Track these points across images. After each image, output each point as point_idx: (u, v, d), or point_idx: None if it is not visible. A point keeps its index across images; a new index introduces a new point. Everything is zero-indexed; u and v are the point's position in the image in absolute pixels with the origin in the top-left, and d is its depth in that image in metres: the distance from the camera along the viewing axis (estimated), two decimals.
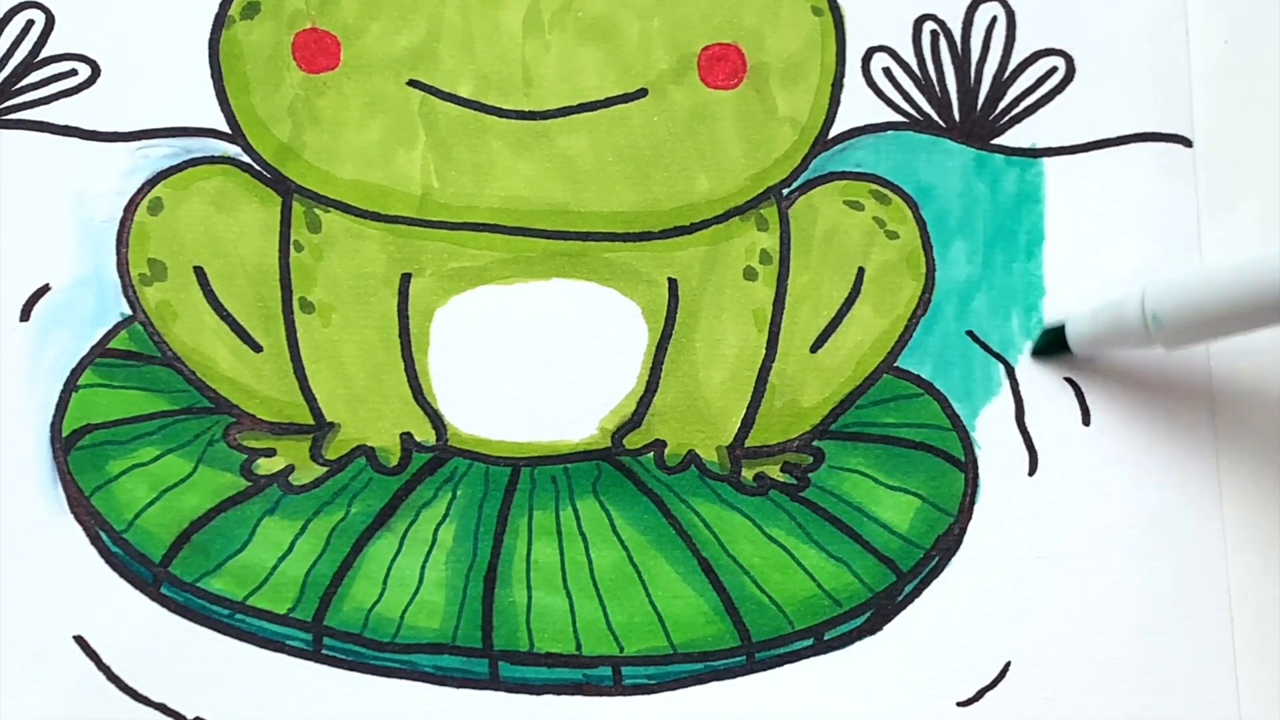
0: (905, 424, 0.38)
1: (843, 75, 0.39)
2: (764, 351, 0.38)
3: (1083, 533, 0.37)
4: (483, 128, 0.39)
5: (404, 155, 0.38)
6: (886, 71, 0.40)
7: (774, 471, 0.38)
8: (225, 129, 0.39)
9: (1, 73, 0.39)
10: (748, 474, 0.38)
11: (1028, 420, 0.38)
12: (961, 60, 0.40)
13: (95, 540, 0.36)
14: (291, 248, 0.38)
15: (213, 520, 0.37)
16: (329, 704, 0.36)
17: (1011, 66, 0.40)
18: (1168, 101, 0.40)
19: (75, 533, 0.36)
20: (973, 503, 0.38)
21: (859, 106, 0.39)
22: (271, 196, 0.38)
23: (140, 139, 0.38)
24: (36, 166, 0.38)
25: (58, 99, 0.39)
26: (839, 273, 0.39)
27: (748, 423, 0.38)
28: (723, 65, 0.39)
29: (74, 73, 0.39)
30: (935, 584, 0.37)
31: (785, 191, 0.39)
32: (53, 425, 0.37)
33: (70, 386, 0.37)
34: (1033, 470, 0.38)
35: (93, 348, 0.37)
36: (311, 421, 0.38)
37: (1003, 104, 0.40)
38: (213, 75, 0.39)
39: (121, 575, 0.36)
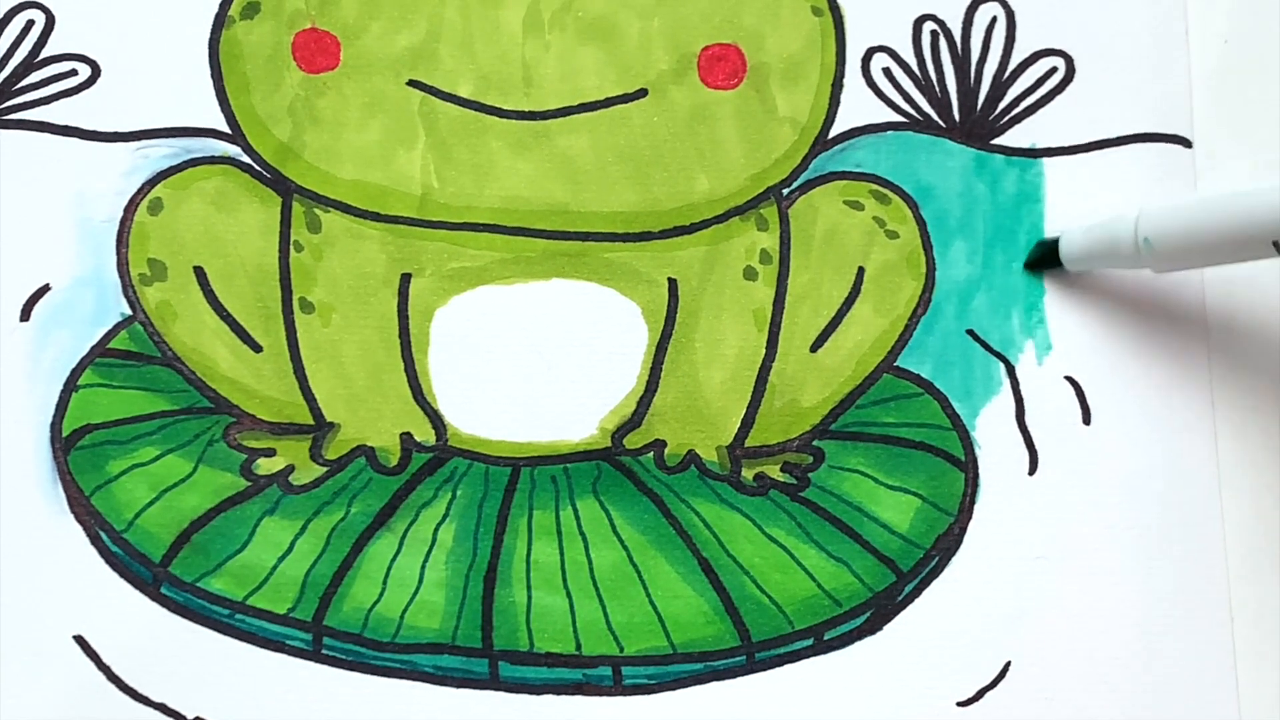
0: (905, 424, 0.38)
1: (843, 75, 0.39)
2: (764, 351, 0.38)
3: (1083, 533, 0.37)
4: (483, 128, 0.39)
5: (404, 155, 0.38)
6: (886, 72, 0.40)
7: (774, 471, 0.38)
8: (225, 129, 0.39)
9: (1, 73, 0.39)
10: (748, 474, 0.38)
11: (1028, 420, 0.38)
12: (961, 60, 0.40)
13: (95, 540, 0.36)
14: (291, 248, 0.38)
15: (213, 520, 0.37)
16: (329, 704, 0.36)
17: (1011, 67, 0.40)
18: (1168, 101, 0.40)
19: (75, 533, 0.36)
20: (973, 502, 0.38)
21: (859, 106, 0.39)
22: (271, 196, 0.38)
23: (140, 139, 0.38)
24: (36, 166, 0.38)
25: (58, 99, 0.39)
26: (839, 272, 0.39)
27: (748, 423, 0.38)
28: (723, 65, 0.39)
29: (74, 73, 0.39)
30: (935, 584, 0.37)
31: (785, 191, 0.39)
32: (53, 425, 0.37)
33: (70, 386, 0.37)
34: (1033, 470, 0.38)
35: (93, 348, 0.37)
36: (311, 421, 0.38)
37: (1003, 104, 0.39)
38: (213, 75, 0.39)
39: (121, 575, 0.36)
